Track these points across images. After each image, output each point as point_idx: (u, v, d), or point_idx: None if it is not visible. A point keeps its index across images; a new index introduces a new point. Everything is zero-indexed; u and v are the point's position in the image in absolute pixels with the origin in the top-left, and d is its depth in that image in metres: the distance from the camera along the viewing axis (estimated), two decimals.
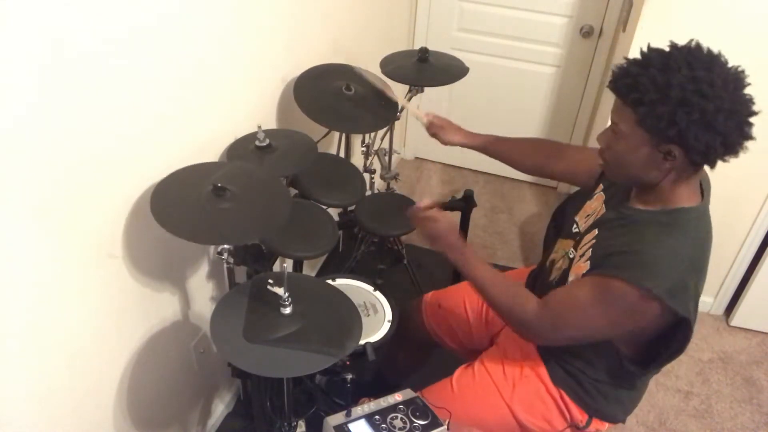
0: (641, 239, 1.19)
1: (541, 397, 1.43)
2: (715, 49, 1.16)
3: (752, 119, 1.12)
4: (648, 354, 1.32)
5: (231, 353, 1.17)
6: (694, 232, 1.21)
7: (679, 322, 1.20)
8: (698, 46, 1.14)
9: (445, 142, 1.75)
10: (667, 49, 1.14)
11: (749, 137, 1.13)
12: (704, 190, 1.27)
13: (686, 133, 1.09)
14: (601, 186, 1.47)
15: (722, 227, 2.29)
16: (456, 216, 2.45)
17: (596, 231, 1.32)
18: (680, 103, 1.08)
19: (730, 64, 1.14)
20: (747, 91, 1.13)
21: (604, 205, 1.39)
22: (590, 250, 1.29)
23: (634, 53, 1.18)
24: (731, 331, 2.51)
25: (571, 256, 1.38)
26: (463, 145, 1.74)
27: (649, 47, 1.16)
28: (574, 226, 1.46)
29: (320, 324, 1.24)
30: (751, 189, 2.22)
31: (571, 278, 1.32)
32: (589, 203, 1.47)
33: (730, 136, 1.11)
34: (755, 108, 1.13)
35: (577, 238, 1.41)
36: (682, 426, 2.12)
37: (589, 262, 1.27)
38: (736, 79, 1.12)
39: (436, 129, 1.74)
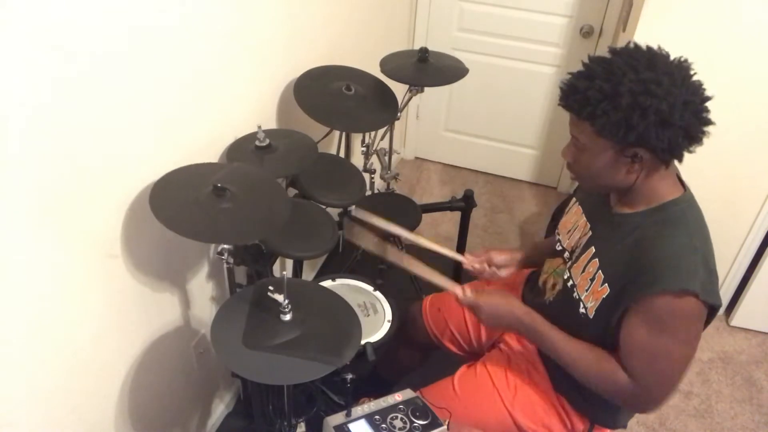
0: (650, 246, 1.19)
1: (542, 405, 1.43)
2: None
3: (709, 104, 1.14)
4: None
5: (230, 360, 1.17)
6: (691, 221, 1.21)
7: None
8: (637, 47, 1.15)
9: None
10: (609, 56, 1.15)
11: (709, 123, 1.14)
12: (682, 180, 1.28)
13: (646, 134, 1.11)
14: (574, 199, 1.47)
15: (722, 227, 2.31)
16: (456, 216, 2.45)
17: (593, 249, 1.31)
18: (633, 108, 1.09)
19: (672, 57, 1.15)
20: (696, 78, 1.15)
21: (585, 219, 1.38)
22: (599, 271, 1.27)
23: None
24: (731, 331, 2.51)
25: (566, 276, 1.37)
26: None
27: (590, 58, 1.17)
28: (558, 244, 1.46)
29: (320, 331, 1.23)
30: (751, 189, 2.22)
31: (590, 304, 1.29)
32: (567, 218, 1.46)
33: (691, 128, 1.12)
34: (708, 93, 1.14)
35: (565, 256, 1.41)
36: (682, 426, 2.12)
37: (607, 285, 1.25)
38: (681, 70, 1.13)
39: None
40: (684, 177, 1.32)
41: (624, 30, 2.45)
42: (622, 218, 1.26)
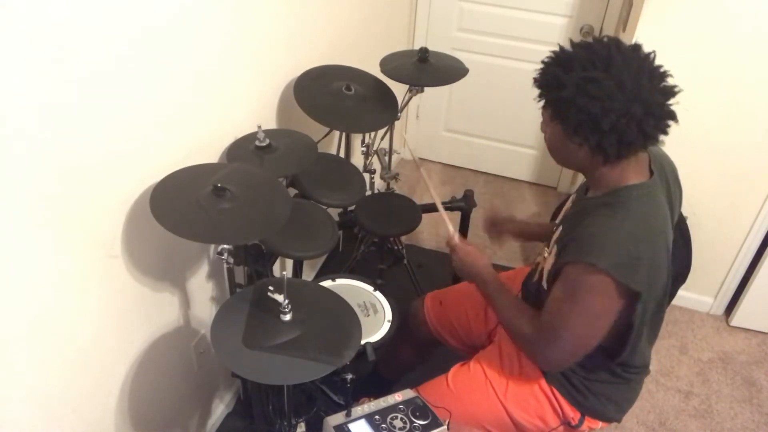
0: (584, 223, 1.23)
1: (534, 395, 1.44)
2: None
3: (672, 109, 1.14)
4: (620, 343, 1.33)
5: (230, 360, 1.17)
6: (638, 207, 1.21)
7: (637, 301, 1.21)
8: (610, 43, 1.15)
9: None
10: (585, 43, 1.17)
11: (654, 134, 1.15)
12: (654, 169, 1.28)
13: (579, 131, 1.15)
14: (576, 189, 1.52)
15: (722, 227, 2.32)
16: (456, 216, 2.46)
17: (561, 228, 1.37)
18: (571, 103, 1.13)
19: (651, 61, 1.15)
20: (664, 86, 1.14)
21: (571, 205, 1.44)
22: (555, 245, 1.33)
23: None
24: (731, 331, 2.51)
25: (546, 255, 1.42)
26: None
27: (571, 43, 1.19)
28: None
29: (319, 331, 1.23)
30: (751, 189, 2.22)
31: (545, 276, 1.36)
32: (565, 207, 1.51)
33: (627, 135, 1.13)
34: (669, 102, 1.14)
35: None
36: (682, 426, 2.12)
37: (554, 257, 1.31)
38: (639, 78, 1.12)
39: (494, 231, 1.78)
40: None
41: (624, 30, 2.45)
42: (586, 201, 1.32)
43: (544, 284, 1.36)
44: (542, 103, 1.24)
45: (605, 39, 1.17)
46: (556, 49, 1.20)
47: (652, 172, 1.27)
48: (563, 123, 1.18)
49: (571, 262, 1.20)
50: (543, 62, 1.21)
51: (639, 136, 1.14)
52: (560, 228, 1.37)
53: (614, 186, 1.24)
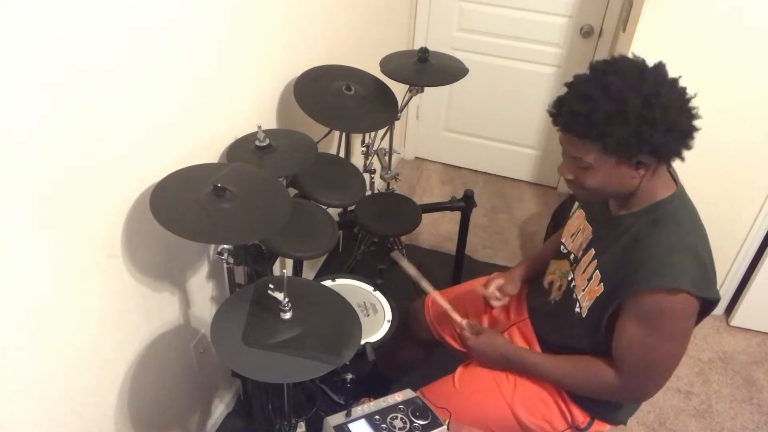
0: (642, 245, 1.21)
1: (542, 398, 1.43)
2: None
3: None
4: None
5: (230, 358, 1.17)
6: (683, 218, 1.23)
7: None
8: (617, 60, 1.17)
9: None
10: (596, 73, 1.16)
11: (697, 117, 1.17)
12: (675, 177, 1.29)
13: (657, 143, 1.13)
14: (577, 204, 1.49)
15: (722, 227, 2.32)
16: (456, 216, 2.46)
17: (593, 250, 1.33)
18: (642, 122, 1.11)
19: (649, 63, 1.17)
20: (674, 78, 1.17)
21: (587, 223, 1.40)
22: (597, 271, 1.30)
23: (636, 53, 1.20)
24: (731, 331, 2.51)
25: (570, 277, 1.40)
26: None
27: (576, 78, 1.18)
28: (562, 246, 1.48)
29: (319, 330, 1.23)
30: (751, 189, 2.22)
31: (584, 303, 1.32)
32: (571, 222, 1.49)
33: (687, 128, 1.16)
34: (690, 92, 1.17)
35: (571, 258, 1.43)
36: (682, 426, 2.12)
37: (602, 284, 1.27)
38: (663, 74, 1.16)
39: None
40: (684, 177, 1.32)
41: (624, 30, 2.45)
42: (619, 220, 1.29)
43: (581, 312, 1.33)
44: (581, 146, 1.17)
45: (602, 61, 1.18)
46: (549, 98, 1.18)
47: (675, 181, 1.28)
48: (634, 149, 1.13)
49: (645, 289, 1.17)
50: (567, 108, 1.16)
51: (692, 123, 1.16)
52: (591, 251, 1.34)
53: (652, 200, 1.23)
